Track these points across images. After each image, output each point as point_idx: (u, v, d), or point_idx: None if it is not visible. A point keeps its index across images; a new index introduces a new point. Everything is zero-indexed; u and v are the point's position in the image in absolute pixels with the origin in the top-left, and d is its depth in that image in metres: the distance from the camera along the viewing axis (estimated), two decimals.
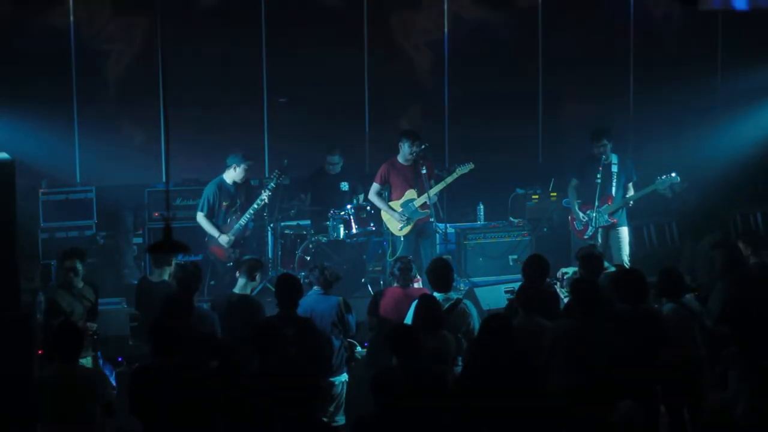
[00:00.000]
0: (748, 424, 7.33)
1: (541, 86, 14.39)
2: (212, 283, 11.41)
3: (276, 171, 11.76)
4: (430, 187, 11.53)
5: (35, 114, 12.53)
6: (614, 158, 11.72)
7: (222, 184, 11.44)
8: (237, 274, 9.26)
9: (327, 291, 8.79)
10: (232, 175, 11.41)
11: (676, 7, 14.23)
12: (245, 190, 11.54)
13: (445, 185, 11.60)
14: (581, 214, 11.82)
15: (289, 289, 8.42)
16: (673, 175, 11.56)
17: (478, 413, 7.24)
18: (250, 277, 9.00)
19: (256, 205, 11.35)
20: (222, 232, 11.35)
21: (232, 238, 11.33)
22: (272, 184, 11.48)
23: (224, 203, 11.42)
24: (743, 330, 8.45)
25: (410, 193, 11.66)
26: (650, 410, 7.98)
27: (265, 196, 11.34)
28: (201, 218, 11.39)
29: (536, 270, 8.77)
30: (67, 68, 12.94)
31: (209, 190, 11.40)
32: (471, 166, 11.59)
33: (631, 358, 7.74)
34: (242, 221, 11.33)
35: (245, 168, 11.37)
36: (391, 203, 11.75)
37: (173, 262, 9.48)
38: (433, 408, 7.11)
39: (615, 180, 11.66)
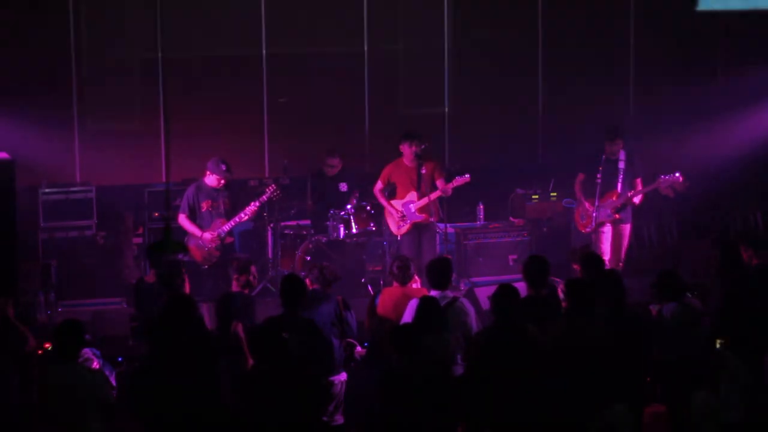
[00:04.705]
0: (739, 423, 7.36)
1: (541, 86, 14.40)
2: None
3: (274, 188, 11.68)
4: (429, 188, 11.55)
5: (35, 114, 12.55)
6: (621, 155, 11.69)
7: (202, 185, 11.40)
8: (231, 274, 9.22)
9: (326, 290, 8.79)
10: (210, 178, 11.39)
11: (676, 7, 14.23)
12: (229, 193, 11.50)
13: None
14: (586, 208, 11.75)
15: (293, 289, 8.42)
16: (677, 175, 11.50)
17: (481, 411, 7.28)
18: (246, 274, 8.98)
19: (241, 218, 11.33)
20: (204, 232, 11.31)
21: (216, 236, 11.30)
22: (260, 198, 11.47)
23: (205, 204, 11.37)
24: (736, 330, 8.48)
25: (411, 195, 11.68)
26: (640, 412, 7.99)
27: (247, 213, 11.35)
28: (182, 219, 11.35)
29: (536, 271, 8.74)
30: (68, 68, 12.95)
31: (188, 192, 11.39)
32: (467, 178, 11.59)
33: (621, 359, 7.75)
34: (225, 227, 11.30)
35: (216, 177, 11.34)
36: (393, 202, 11.78)
37: None
38: (435, 406, 7.16)
39: (621, 176, 11.63)
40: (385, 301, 8.93)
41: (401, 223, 11.70)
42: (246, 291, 8.96)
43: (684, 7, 13.65)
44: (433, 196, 11.60)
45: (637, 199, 11.66)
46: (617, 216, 11.65)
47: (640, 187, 11.67)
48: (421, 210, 11.66)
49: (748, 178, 13.81)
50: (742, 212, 13.52)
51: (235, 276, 8.95)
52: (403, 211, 11.67)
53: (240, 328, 8.34)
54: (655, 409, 8.48)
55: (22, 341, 8.43)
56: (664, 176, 11.52)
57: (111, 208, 12.52)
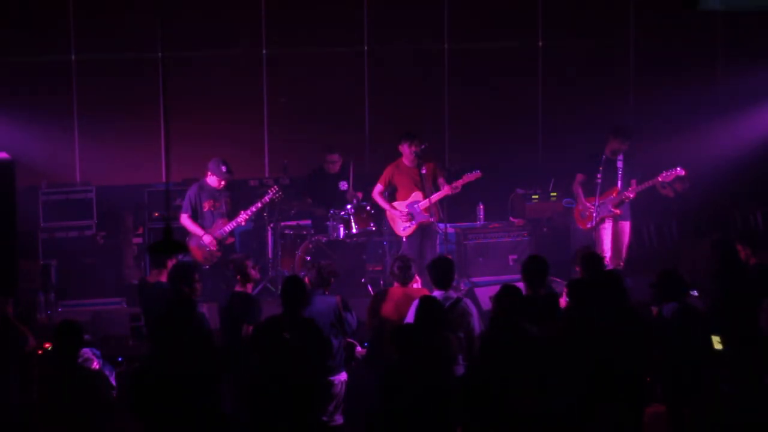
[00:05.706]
0: (739, 424, 7.36)
1: (541, 86, 14.40)
2: None
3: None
4: (431, 188, 11.55)
5: (35, 114, 12.55)
6: (620, 154, 11.71)
7: (204, 185, 11.41)
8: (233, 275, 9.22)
9: (325, 289, 8.79)
10: (212, 179, 11.39)
11: (676, 7, 14.23)
12: (231, 193, 11.49)
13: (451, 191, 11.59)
14: (586, 206, 11.75)
15: (294, 290, 8.42)
16: (678, 169, 11.49)
17: (482, 411, 7.29)
18: (244, 270, 8.97)
19: (242, 219, 11.32)
20: (206, 232, 11.31)
21: (216, 238, 11.29)
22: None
23: (207, 204, 11.36)
24: (734, 329, 8.49)
25: (416, 195, 11.67)
26: (640, 412, 7.99)
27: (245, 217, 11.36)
28: (184, 219, 11.36)
29: (535, 271, 8.74)
30: (68, 68, 12.95)
31: (191, 192, 11.39)
32: (477, 174, 11.59)
33: (621, 359, 7.76)
34: (227, 228, 11.30)
35: (217, 178, 11.33)
36: (395, 203, 11.76)
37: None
38: (436, 406, 7.17)
39: (620, 173, 11.64)
40: (386, 301, 8.92)
41: (407, 224, 11.67)
42: (250, 286, 8.98)
43: (684, 7, 13.70)
44: (442, 194, 11.57)
45: (631, 195, 11.66)
46: (618, 211, 11.65)
47: (634, 187, 11.67)
48: (426, 210, 11.65)
49: (748, 178, 13.80)
50: (742, 212, 13.52)
51: (238, 277, 8.97)
52: (410, 211, 11.66)
53: (251, 331, 8.30)
54: (655, 409, 8.50)
55: (22, 341, 8.44)
56: (665, 172, 11.51)
57: (111, 208, 12.52)
